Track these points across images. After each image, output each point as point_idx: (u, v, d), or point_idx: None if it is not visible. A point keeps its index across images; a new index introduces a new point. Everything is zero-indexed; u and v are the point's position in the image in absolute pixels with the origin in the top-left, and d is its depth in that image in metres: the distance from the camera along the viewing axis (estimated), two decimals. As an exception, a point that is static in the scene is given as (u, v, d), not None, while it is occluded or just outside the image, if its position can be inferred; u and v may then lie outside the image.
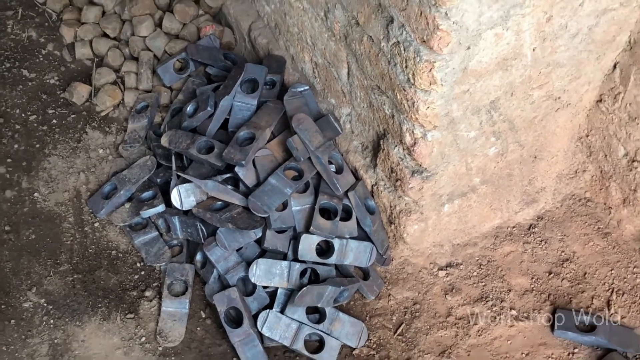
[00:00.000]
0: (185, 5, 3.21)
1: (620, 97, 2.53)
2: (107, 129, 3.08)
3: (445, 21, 1.93)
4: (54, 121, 3.07)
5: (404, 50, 2.12)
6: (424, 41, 2.02)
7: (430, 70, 2.07)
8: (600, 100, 2.60)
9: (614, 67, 2.49)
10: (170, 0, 3.28)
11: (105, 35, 3.29)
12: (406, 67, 2.14)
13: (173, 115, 2.98)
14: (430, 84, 2.11)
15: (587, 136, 2.74)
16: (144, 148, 2.97)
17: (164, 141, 2.75)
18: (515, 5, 1.99)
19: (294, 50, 2.88)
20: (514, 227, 2.83)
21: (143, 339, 2.52)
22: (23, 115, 3.08)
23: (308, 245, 2.53)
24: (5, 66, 3.22)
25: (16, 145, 2.98)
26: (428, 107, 2.19)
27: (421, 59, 2.06)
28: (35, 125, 3.05)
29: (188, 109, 2.85)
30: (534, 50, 2.19)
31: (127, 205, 2.84)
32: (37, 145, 2.99)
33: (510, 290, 2.66)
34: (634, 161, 2.60)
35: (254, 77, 2.82)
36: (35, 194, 2.86)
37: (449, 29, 1.95)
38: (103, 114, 3.12)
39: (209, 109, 2.76)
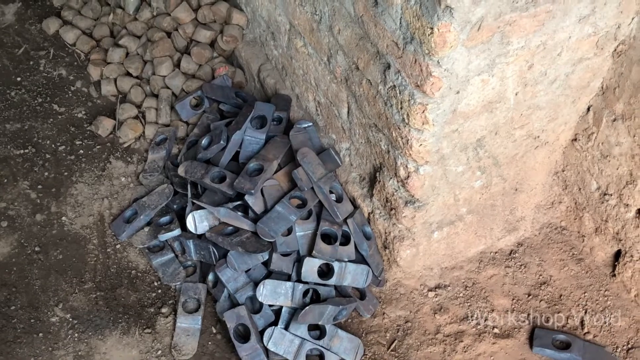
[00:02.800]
0: (201, 48, 3.21)
1: (593, 136, 2.53)
2: (129, 159, 3.06)
3: (437, 68, 1.94)
4: (81, 151, 3.06)
5: (400, 93, 2.13)
6: (418, 86, 2.03)
7: (423, 111, 2.08)
8: (575, 139, 2.60)
9: (588, 109, 2.49)
10: (187, 44, 3.27)
11: (128, 74, 3.28)
12: (401, 108, 2.15)
13: (189, 147, 2.97)
14: (423, 124, 2.12)
15: (563, 171, 2.73)
16: (162, 177, 2.96)
17: (180, 171, 2.75)
18: (500, 55, 2.00)
19: (299, 90, 2.88)
20: (496, 253, 2.82)
21: (159, 352, 2.49)
22: (53, 145, 3.06)
23: (310, 267, 2.52)
24: (38, 101, 3.21)
25: (46, 173, 2.96)
26: (421, 145, 2.20)
27: (415, 101, 2.07)
28: (64, 155, 3.04)
29: (203, 142, 2.85)
30: (516, 94, 2.20)
31: (147, 229, 2.82)
32: (66, 173, 2.98)
33: (493, 310, 2.65)
34: (605, 194, 2.59)
35: (263, 114, 2.82)
36: (63, 218, 2.83)
37: (440, 76, 1.96)
38: (125, 145, 3.10)
39: (222, 142, 2.76)
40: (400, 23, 1.98)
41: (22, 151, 3.03)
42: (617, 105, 2.37)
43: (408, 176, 2.33)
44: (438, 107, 2.07)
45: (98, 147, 3.09)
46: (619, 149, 2.44)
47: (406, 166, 2.31)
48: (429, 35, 1.86)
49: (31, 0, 3.65)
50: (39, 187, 2.92)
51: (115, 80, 3.26)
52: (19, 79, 3.30)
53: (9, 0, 3.62)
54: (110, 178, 2.98)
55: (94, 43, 3.43)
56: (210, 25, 3.26)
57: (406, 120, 2.15)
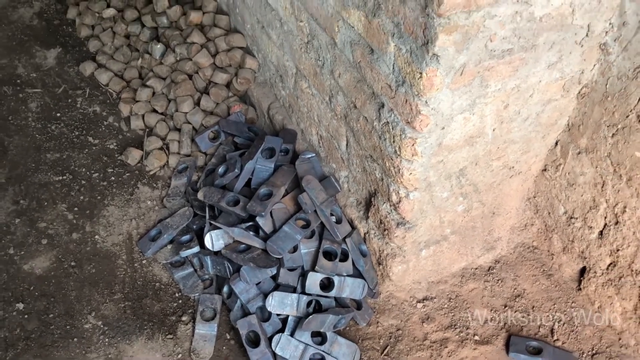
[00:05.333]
0: (218, 89, 3.21)
1: (560, 167, 2.51)
2: (155, 185, 3.05)
3: (425, 107, 1.93)
4: (112, 178, 3.05)
5: (392, 128, 2.12)
6: (408, 122, 2.02)
7: (413, 145, 2.07)
8: (545, 170, 2.58)
9: (556, 144, 2.47)
10: (206, 85, 3.28)
11: (154, 111, 3.28)
12: (394, 141, 2.14)
13: (207, 175, 2.96)
14: (412, 155, 2.11)
15: (535, 197, 2.71)
16: (184, 201, 2.95)
17: (200, 195, 2.74)
18: (480, 96, 2.00)
19: (304, 125, 2.88)
20: (476, 269, 2.79)
21: (180, 355, 2.46)
22: (88, 173, 3.06)
23: (313, 281, 2.50)
24: (75, 134, 3.22)
25: (82, 197, 2.96)
26: (411, 173, 2.18)
27: (406, 136, 2.06)
28: (97, 181, 3.03)
29: (219, 170, 2.84)
30: (494, 130, 2.19)
31: (169, 246, 2.81)
32: (99, 197, 2.97)
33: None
34: (571, 218, 2.57)
35: (272, 146, 2.82)
36: (96, 236, 2.82)
37: (428, 114, 1.95)
38: (151, 173, 3.10)
39: (236, 170, 2.75)
40: (393, 68, 1.98)
41: (60, 177, 3.02)
42: (581, 140, 2.36)
43: (399, 201, 2.32)
44: (426, 141, 2.06)
45: (127, 174, 3.08)
46: (583, 178, 2.43)
47: (398, 192, 2.30)
48: (418, 79, 1.86)
49: (70, 46, 3.66)
50: (75, 209, 2.91)
51: (143, 116, 3.27)
52: (58, 114, 3.30)
53: (50, 46, 3.64)
54: (137, 201, 2.97)
55: (124, 84, 3.44)
56: (226, 69, 3.26)
57: (398, 152, 2.14)
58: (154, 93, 3.32)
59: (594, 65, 2.16)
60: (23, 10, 3.84)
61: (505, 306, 2.67)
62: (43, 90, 3.41)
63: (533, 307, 2.66)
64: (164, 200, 2.95)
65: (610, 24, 2.02)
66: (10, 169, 3.02)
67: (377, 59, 2.06)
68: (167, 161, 3.13)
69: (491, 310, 2.65)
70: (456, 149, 2.18)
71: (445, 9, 1.65)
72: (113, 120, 3.32)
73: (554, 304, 2.66)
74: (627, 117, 2.14)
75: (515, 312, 2.65)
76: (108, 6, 3.70)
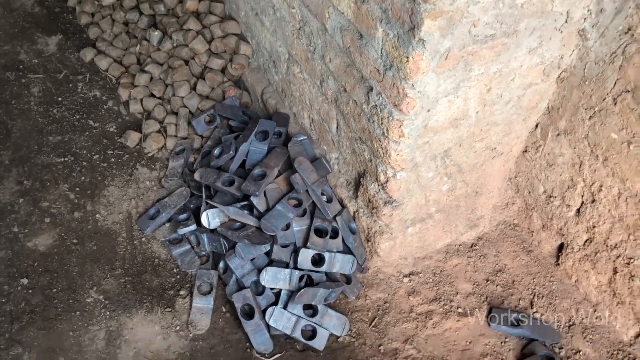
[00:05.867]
0: (214, 74, 3.20)
1: (540, 148, 2.52)
2: (153, 166, 3.05)
3: (412, 91, 1.93)
4: (112, 160, 3.05)
5: (380, 111, 2.12)
6: (396, 105, 2.02)
7: (400, 126, 2.07)
8: (526, 151, 2.59)
9: (536, 126, 2.48)
10: (202, 70, 3.26)
11: (152, 95, 3.27)
12: (382, 124, 2.14)
13: (203, 156, 2.96)
14: (399, 137, 2.11)
15: (516, 177, 2.72)
16: (181, 181, 2.94)
17: (196, 176, 2.74)
18: (464, 80, 2.00)
19: (296, 109, 2.87)
20: (460, 245, 2.80)
21: (178, 327, 2.47)
22: (89, 155, 3.05)
23: (305, 257, 2.51)
24: (76, 117, 3.20)
25: (83, 178, 2.95)
26: (398, 154, 2.19)
27: (393, 118, 2.06)
28: (98, 162, 3.02)
29: (215, 152, 2.84)
30: (477, 113, 2.19)
31: (167, 224, 2.80)
32: (99, 178, 2.96)
33: (457, 293, 2.63)
34: (550, 197, 2.59)
35: (266, 129, 2.81)
36: (97, 215, 2.82)
37: (414, 97, 1.95)
38: (150, 155, 3.09)
39: (231, 152, 2.75)
40: (381, 53, 1.98)
41: (62, 159, 3.01)
42: (560, 122, 2.37)
43: (387, 181, 2.32)
44: (412, 123, 2.06)
45: (127, 156, 3.07)
46: (562, 159, 2.44)
47: (385, 172, 2.30)
48: (405, 63, 1.86)
49: (70, 33, 3.63)
50: (77, 189, 2.90)
51: (141, 100, 3.25)
52: (60, 98, 3.28)
53: (51, 33, 3.61)
54: (136, 182, 2.97)
55: (123, 69, 3.42)
56: (221, 55, 3.25)
57: (386, 134, 2.15)
58: (151, 78, 3.30)
59: (573, 51, 2.17)
60: (24, -2, 3.81)
61: (487, 280, 2.69)
62: (45, 75, 3.39)
63: (513, 281, 2.68)
64: (162, 180, 2.94)
65: (588, 10, 2.03)
66: (13, 151, 3.01)
67: (365, 44, 2.05)
68: (165, 143, 3.12)
69: (474, 284, 2.67)
70: (441, 131, 2.18)
71: (430, -5, 1.65)
72: (112, 104, 3.30)
73: (533, 279, 2.68)
74: (604, 100, 2.16)
75: (497, 286, 2.67)
76: (107, -6, 3.67)
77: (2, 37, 3.55)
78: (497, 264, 2.74)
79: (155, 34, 3.37)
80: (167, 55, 3.34)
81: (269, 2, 2.71)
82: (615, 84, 2.09)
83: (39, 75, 3.38)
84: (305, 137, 2.79)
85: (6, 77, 3.34)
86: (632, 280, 2.32)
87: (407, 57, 1.84)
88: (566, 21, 2.02)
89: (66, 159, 3.02)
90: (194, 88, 3.23)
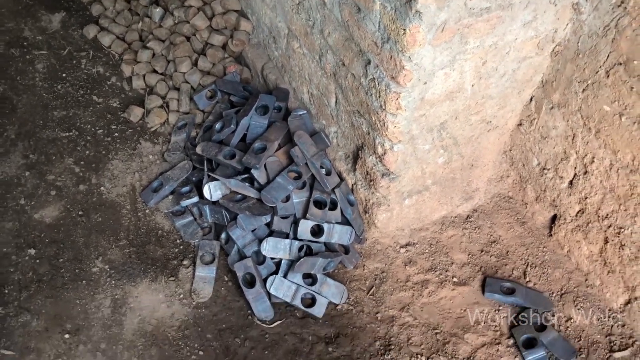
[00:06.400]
0: (215, 50, 3.19)
1: (534, 121, 2.52)
2: (156, 141, 3.04)
3: (409, 63, 1.93)
4: (116, 134, 3.04)
5: (378, 84, 2.12)
6: (393, 77, 2.02)
7: (397, 99, 2.07)
8: (520, 124, 2.59)
9: (531, 99, 2.48)
10: (203, 46, 3.25)
11: (155, 71, 3.25)
12: (379, 96, 2.14)
13: (205, 131, 2.95)
14: (397, 109, 2.11)
15: (510, 150, 2.73)
16: (183, 155, 2.94)
17: (198, 150, 2.73)
18: (460, 52, 1.99)
19: (296, 84, 2.87)
20: (455, 217, 2.81)
21: (181, 295, 2.49)
22: (93, 129, 3.04)
23: (305, 228, 2.52)
24: (80, 93, 3.19)
25: (87, 152, 2.95)
26: (395, 127, 2.19)
27: (390, 90, 2.06)
28: (102, 137, 3.02)
29: (216, 126, 2.84)
30: (472, 86, 2.19)
31: (170, 197, 2.81)
32: (103, 152, 2.96)
33: (452, 263, 2.65)
34: (544, 169, 2.60)
35: (266, 103, 2.81)
36: (102, 188, 2.82)
37: (411, 69, 1.95)
38: (152, 129, 3.09)
39: (232, 126, 2.75)
40: (379, 26, 1.97)
41: (67, 134, 3.01)
42: (554, 95, 2.37)
43: (384, 153, 2.33)
44: (409, 95, 2.06)
45: (130, 130, 3.07)
46: (555, 132, 2.45)
47: (383, 145, 2.30)
48: (402, 35, 1.86)
49: (73, 10, 3.60)
50: (82, 163, 2.91)
51: (144, 76, 3.24)
52: (64, 75, 3.27)
53: (55, 10, 3.59)
54: (140, 156, 2.97)
55: (126, 46, 3.40)
56: (222, 31, 3.23)
57: (383, 107, 2.14)
58: (154, 54, 3.29)
59: (567, 24, 2.16)
60: (28, -24, 3.77)
61: (482, 251, 2.70)
62: (49, 52, 3.37)
63: (507, 252, 2.70)
64: (165, 154, 2.94)
65: (582, -16, 2.02)
66: (19, 126, 3.01)
67: (363, 17, 2.04)
68: (167, 118, 3.11)
69: (469, 255, 2.69)
70: (437, 104, 2.18)
71: (427, -33, 1.65)
72: (116, 80, 3.28)
73: (527, 249, 2.70)
74: (597, 73, 2.15)
75: (491, 256, 2.69)
76: (109, -28, 3.64)
77: (6, 15, 3.53)
78: (491, 235, 2.76)
79: (157, 11, 3.35)
80: (168, 32, 3.32)
81: (269, -22, 2.70)
82: (608, 56, 2.09)
83: (43, 51, 3.36)
84: (305, 112, 2.78)
85: (11, 53, 3.32)
86: (622, 249, 2.34)
87: (404, 30, 1.84)
88: (561, -6, 2.01)
89: (71, 133, 3.01)
90: (195, 64, 3.21)
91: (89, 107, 3.13)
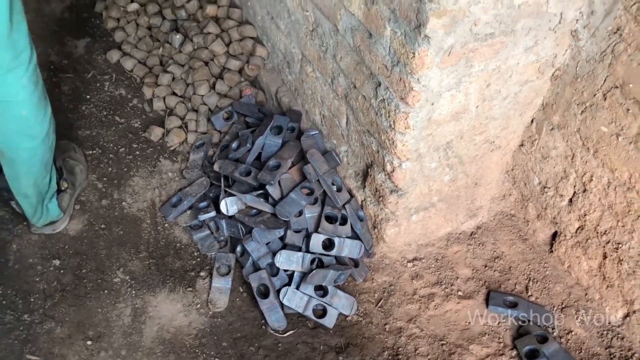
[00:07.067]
0: (231, 74, 3.26)
1: (535, 142, 2.56)
2: (175, 159, 3.10)
3: (417, 84, 1.98)
4: (137, 153, 3.10)
5: (388, 104, 2.17)
6: (402, 98, 2.07)
7: (406, 118, 2.12)
8: (522, 145, 2.63)
9: (532, 121, 2.52)
10: (221, 71, 3.32)
11: (174, 94, 3.32)
12: (389, 116, 2.19)
13: (222, 150, 3.01)
14: (405, 128, 2.16)
15: (512, 170, 2.76)
16: (201, 172, 2.99)
17: (215, 167, 2.79)
18: (465, 75, 2.05)
19: (308, 106, 2.92)
20: (460, 234, 2.84)
21: (198, 305, 2.52)
22: (115, 148, 3.11)
23: (316, 241, 2.55)
24: (103, 114, 3.26)
25: (110, 169, 3.01)
26: (403, 145, 2.23)
27: (399, 110, 2.11)
28: (123, 155, 3.08)
29: (233, 145, 2.89)
30: (477, 107, 2.24)
31: (189, 212, 2.85)
32: (125, 169, 3.02)
33: (457, 278, 2.67)
34: (544, 188, 2.63)
35: (280, 124, 2.86)
36: (123, 203, 2.87)
37: (419, 90, 2.00)
38: (172, 148, 3.14)
39: (248, 145, 2.80)
40: (389, 50, 2.03)
41: (91, 152, 3.07)
42: (554, 117, 2.42)
43: (393, 170, 2.37)
44: (417, 115, 2.11)
45: (150, 149, 3.13)
46: (555, 152, 2.49)
47: (392, 162, 2.35)
48: (411, 58, 1.92)
49: (97, 36, 3.69)
50: (104, 179, 2.96)
51: (164, 98, 3.31)
52: (88, 96, 3.35)
53: (80, 36, 3.68)
54: (160, 173, 3.02)
55: (147, 70, 3.48)
56: (238, 57, 3.30)
57: (392, 126, 2.19)
58: (173, 78, 3.36)
59: (566, 50, 2.22)
60: (55, 5, 3.87)
61: (486, 266, 2.73)
62: (74, 75, 3.45)
63: (510, 267, 2.72)
64: (183, 172, 2.99)
65: (580, 12, 2.08)
66: (46, 144, 3.07)
67: (374, 42, 2.10)
68: (186, 138, 3.17)
69: (473, 269, 2.71)
70: (444, 123, 2.22)
71: (436, -5, 1.71)
72: (137, 102, 3.36)
73: (529, 265, 2.73)
74: (594, 95, 2.21)
75: (494, 271, 2.71)
76: (132, 1, 3.72)
77: (35, 40, 3.53)
78: (494, 252, 2.78)
79: (177, 37, 3.43)
80: (188, 57, 3.39)
81: (284, 6, 2.78)
82: (605, 80, 2.14)
83: (68, 75, 3.45)
84: (317, 132, 2.83)
85: (38, 76, 3.40)
86: (621, 264, 2.37)
87: (414, 53, 1.89)
88: (560, 22, 2.07)
89: (94, 151, 3.07)
90: (213, 87, 3.28)
91: (112, 127, 3.20)
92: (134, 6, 3.68)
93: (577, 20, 2.11)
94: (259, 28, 3.25)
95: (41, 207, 2.56)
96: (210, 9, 3.40)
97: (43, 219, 2.62)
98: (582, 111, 2.28)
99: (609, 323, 2.50)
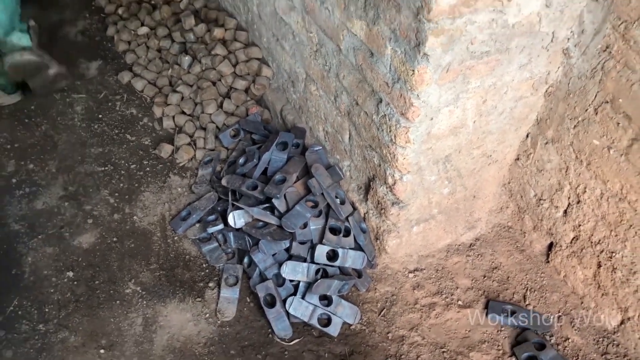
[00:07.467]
0: (238, 93, 3.31)
1: (531, 156, 2.60)
2: (184, 175, 3.13)
3: (417, 100, 2.02)
4: (148, 169, 3.14)
5: (389, 120, 2.21)
6: (403, 114, 2.11)
7: (406, 133, 2.16)
8: (518, 158, 2.67)
9: (527, 136, 2.56)
10: (228, 90, 3.37)
11: (183, 112, 3.36)
12: (390, 131, 2.23)
13: (229, 165, 3.04)
14: (406, 143, 2.19)
15: (509, 183, 2.79)
16: (209, 187, 3.02)
17: (223, 182, 2.82)
18: (463, 91, 2.09)
19: (312, 123, 2.96)
20: (459, 245, 2.87)
21: (207, 315, 2.55)
22: (126, 164, 3.15)
23: (321, 252, 2.57)
24: (115, 132, 3.31)
25: (121, 184, 3.05)
26: (404, 158, 2.27)
27: (400, 125, 2.15)
28: (134, 171, 3.12)
29: (240, 160, 2.93)
30: (474, 122, 2.27)
31: (197, 225, 2.88)
32: (136, 185, 3.06)
33: (457, 288, 2.70)
34: (540, 200, 2.66)
35: (285, 140, 2.91)
36: (134, 217, 2.91)
37: (419, 106, 2.04)
38: (181, 164, 3.18)
39: (254, 160, 2.84)
40: (390, 68, 2.08)
41: (103, 168, 3.11)
42: (548, 132, 2.46)
43: (394, 183, 2.40)
44: (417, 130, 2.15)
45: (160, 165, 3.17)
46: (550, 165, 2.53)
47: (393, 175, 2.38)
48: (411, 75, 1.96)
49: (109, 58, 3.76)
50: (116, 194, 3.00)
51: (173, 117, 3.36)
52: (100, 116, 3.40)
53: (92, 58, 3.74)
54: (169, 188, 3.06)
55: (157, 90, 3.52)
56: (245, 77, 3.36)
57: (394, 140, 2.23)
58: (182, 97, 3.41)
59: (558, 67, 2.26)
60: (69, 29, 3.95)
61: (484, 276, 2.75)
62: (87, 95, 3.51)
63: (508, 277, 2.75)
64: (192, 187, 3.03)
65: (571, 31, 2.13)
66: (60, 161, 3.12)
67: (376, 61, 2.15)
68: (195, 155, 3.20)
69: (472, 280, 2.74)
70: (442, 138, 2.26)
71: (434, 15, 1.76)
72: (147, 120, 3.40)
73: (526, 275, 2.75)
74: (586, 110, 2.25)
75: (493, 281, 2.73)
76: (142, 25, 3.80)
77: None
78: (493, 262, 2.81)
79: (186, 59, 3.49)
80: (196, 78, 3.45)
81: (289, 28, 2.83)
82: (596, 96, 2.19)
83: (82, 95, 3.50)
84: (321, 148, 2.87)
85: (53, 97, 3.46)
86: (614, 272, 2.40)
87: (413, 71, 1.93)
88: (552, 41, 2.12)
89: (106, 168, 3.12)
90: (220, 106, 3.33)
91: (123, 145, 3.25)
92: (144, 30, 3.76)
93: (569, 39, 2.16)
94: (265, 49, 3.31)
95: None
96: (218, 32, 3.47)
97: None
98: (575, 125, 2.33)
99: (605, 330, 2.52)
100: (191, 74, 3.47)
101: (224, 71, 3.35)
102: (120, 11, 3.96)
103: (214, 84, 3.39)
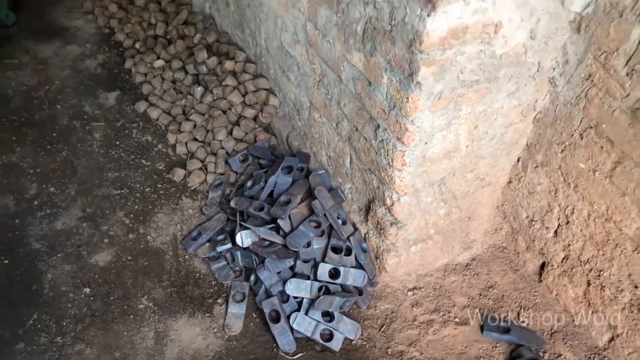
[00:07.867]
0: (247, 121, 3.39)
1: (522, 179, 2.65)
2: (195, 197, 3.20)
3: (412, 126, 2.09)
4: (161, 192, 3.21)
5: (386, 144, 2.27)
6: (399, 138, 2.17)
7: (402, 156, 2.22)
8: (510, 181, 2.72)
9: (518, 160, 2.61)
10: (237, 118, 3.46)
11: (195, 139, 3.45)
12: (387, 155, 2.29)
13: (238, 188, 3.11)
14: (402, 166, 2.25)
15: (502, 205, 2.84)
16: (219, 209, 3.08)
17: (232, 204, 2.89)
18: (455, 117, 2.15)
19: (315, 148, 3.03)
20: (456, 265, 2.90)
21: (215, 329, 2.59)
22: (141, 188, 3.22)
23: (323, 270, 2.61)
24: (131, 157, 3.40)
25: (136, 206, 3.12)
26: (401, 180, 2.32)
27: (397, 149, 2.21)
28: (149, 194, 3.19)
29: (248, 184, 3.00)
30: (467, 146, 2.33)
31: (207, 244, 2.93)
32: (150, 207, 3.12)
33: (454, 306, 2.72)
34: (532, 221, 2.71)
35: (290, 164, 2.97)
36: (148, 237, 2.97)
37: (414, 131, 2.11)
38: (193, 188, 3.25)
39: (261, 183, 2.91)
40: (386, 96, 2.15)
41: (119, 191, 3.19)
42: (538, 156, 2.51)
43: (393, 204, 2.45)
44: (412, 153, 2.21)
45: (173, 189, 3.24)
46: (540, 188, 2.57)
47: (391, 197, 2.43)
48: (405, 102, 2.03)
49: (127, 89, 3.87)
50: (131, 216, 3.07)
51: (186, 143, 3.44)
52: (117, 142, 3.49)
53: (111, 89, 3.85)
54: (181, 210, 3.12)
55: (171, 118, 3.62)
56: (253, 106, 3.44)
57: (391, 164, 2.29)
58: (195, 125, 3.49)
59: (545, 95, 2.33)
60: (89, 62, 4.08)
61: (480, 295, 2.78)
62: (105, 123, 3.61)
63: (503, 296, 2.77)
64: (203, 209, 3.09)
65: (556, 61, 2.21)
66: (79, 184, 3.21)
67: (374, 89, 2.22)
68: (206, 178, 3.27)
69: (469, 298, 2.76)
70: (437, 161, 2.31)
71: (425, 47, 1.84)
72: (162, 147, 3.48)
73: (520, 293, 2.77)
74: (572, 135, 2.32)
75: (488, 299, 2.76)
76: (158, 58, 3.93)
77: (70, 93, 3.81)
78: (488, 281, 2.83)
79: (199, 90, 3.59)
80: (208, 107, 3.53)
81: (294, 61, 2.93)
82: (581, 122, 2.26)
83: (100, 123, 3.61)
84: (324, 171, 2.93)
85: (73, 125, 3.57)
86: (603, 290, 2.43)
87: (407, 98, 2.01)
88: (538, 70, 2.20)
89: (122, 191, 3.19)
90: (230, 133, 3.40)
91: (139, 169, 3.32)
92: (159, 62, 3.88)
93: (554, 68, 2.24)
94: (272, 80, 3.41)
95: None
96: (229, 64, 3.57)
97: None
98: (562, 150, 2.38)
99: (596, 347, 2.53)
100: (203, 103, 3.56)
101: (234, 101, 3.44)
102: (137, 45, 4.11)
103: (224, 112, 3.48)
